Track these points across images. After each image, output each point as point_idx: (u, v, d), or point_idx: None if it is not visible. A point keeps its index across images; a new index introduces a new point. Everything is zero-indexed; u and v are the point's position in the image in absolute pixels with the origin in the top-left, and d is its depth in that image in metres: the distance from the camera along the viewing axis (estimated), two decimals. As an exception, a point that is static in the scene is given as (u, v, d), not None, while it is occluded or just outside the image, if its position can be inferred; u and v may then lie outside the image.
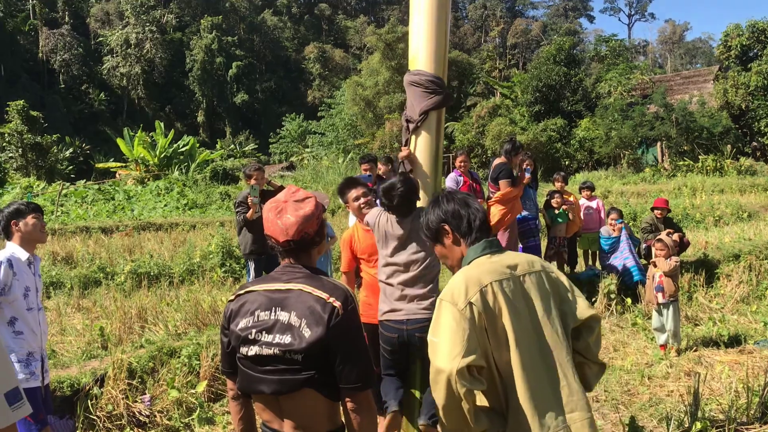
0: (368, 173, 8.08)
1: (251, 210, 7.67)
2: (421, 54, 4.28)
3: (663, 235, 7.40)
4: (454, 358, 2.25)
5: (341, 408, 2.39)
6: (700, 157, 27.89)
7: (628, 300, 8.64)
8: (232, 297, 2.47)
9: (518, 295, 2.43)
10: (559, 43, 37.33)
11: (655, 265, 7.28)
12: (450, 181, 8.34)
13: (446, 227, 2.61)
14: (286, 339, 2.27)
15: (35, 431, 3.95)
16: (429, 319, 3.52)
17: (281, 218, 2.40)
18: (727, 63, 34.74)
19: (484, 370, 2.35)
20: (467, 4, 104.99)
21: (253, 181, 7.81)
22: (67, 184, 31.71)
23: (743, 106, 32.10)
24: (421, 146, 4.32)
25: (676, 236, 9.07)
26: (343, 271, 4.97)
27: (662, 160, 30.35)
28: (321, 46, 77.23)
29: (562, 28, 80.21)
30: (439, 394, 2.32)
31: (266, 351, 2.30)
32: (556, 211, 9.16)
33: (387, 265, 4.24)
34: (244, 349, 2.35)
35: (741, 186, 22.02)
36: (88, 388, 5.43)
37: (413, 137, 4.35)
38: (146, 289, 10.07)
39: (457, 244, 2.61)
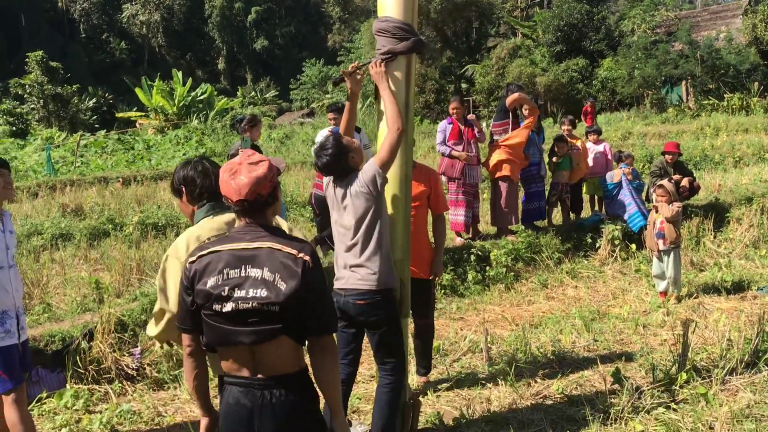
0: (335, 124, 7.93)
1: None
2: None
3: (664, 181, 7.20)
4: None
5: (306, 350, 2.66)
6: (725, 95, 27.10)
7: (633, 246, 8.49)
8: (193, 258, 2.60)
9: None
10: (582, -21, 36.11)
11: (657, 211, 7.10)
12: (438, 130, 8.23)
13: (183, 189, 3.21)
14: (263, 293, 2.48)
15: (10, 386, 3.99)
16: (363, 290, 3.44)
17: (235, 179, 2.57)
18: (757, -4, 33.41)
19: None
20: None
21: (247, 135, 7.71)
22: (87, 134, 31.90)
23: (773, 42, 30.96)
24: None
25: (685, 181, 8.86)
26: None
27: (687, 100, 29.59)
28: (341, -12, 75.81)
29: (588, -36, 77.60)
30: (159, 328, 3.09)
31: (243, 305, 2.48)
32: (554, 159, 8.98)
33: (336, 228, 4.06)
34: (217, 306, 2.51)
35: (766, 125, 21.39)
36: (77, 342, 5.48)
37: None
38: (153, 240, 10.13)
39: (191, 204, 3.21)
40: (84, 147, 27.04)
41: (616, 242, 8.53)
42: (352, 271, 3.88)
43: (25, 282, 7.19)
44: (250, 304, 2.48)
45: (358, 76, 4.18)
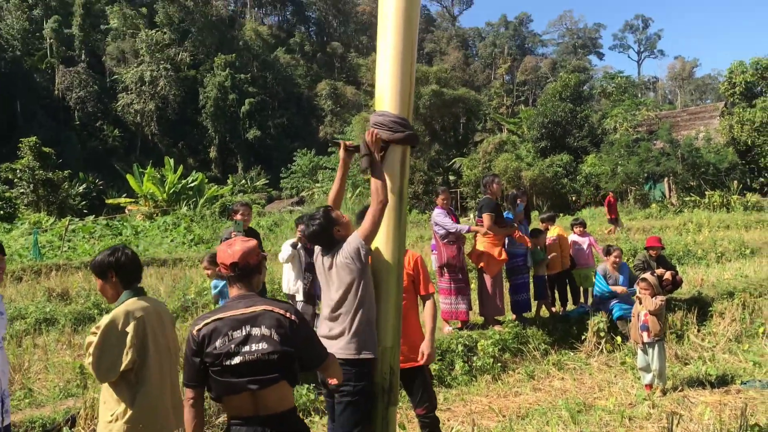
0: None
1: None
2: (387, 95, 4.30)
3: (647, 275, 7.34)
4: (114, 366, 3.61)
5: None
6: (706, 192, 27.77)
7: (618, 338, 8.54)
8: (200, 326, 3.16)
9: (154, 322, 3.73)
10: (565, 79, 37.57)
11: (640, 302, 7.21)
12: (441, 216, 8.33)
13: (112, 273, 3.75)
14: (263, 345, 3.08)
15: (-10, 471, 3.94)
16: (341, 359, 3.56)
17: (231, 247, 3.30)
18: (732, 99, 34.78)
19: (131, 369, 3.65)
20: (477, 43, 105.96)
21: (239, 217, 7.87)
22: (76, 219, 31.96)
23: (749, 142, 32.05)
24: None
25: (668, 274, 9.01)
26: None
27: (669, 196, 30.26)
28: (333, 83, 77.84)
29: (570, 65, 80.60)
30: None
31: (249, 357, 3.06)
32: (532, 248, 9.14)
33: (323, 297, 4.28)
34: (227, 362, 3.07)
35: (747, 222, 21.86)
36: (58, 428, 5.40)
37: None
38: (138, 326, 10.06)
39: (117, 287, 3.78)
40: (72, 232, 27.03)
41: (602, 334, 8.58)
42: (334, 341, 4.00)
43: (8, 366, 7.11)
44: (255, 356, 3.06)
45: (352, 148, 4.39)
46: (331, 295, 4.12)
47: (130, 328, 3.62)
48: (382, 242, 4.15)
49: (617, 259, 8.92)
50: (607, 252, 9.05)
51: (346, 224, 4.23)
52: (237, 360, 3.06)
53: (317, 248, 4.32)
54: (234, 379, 3.08)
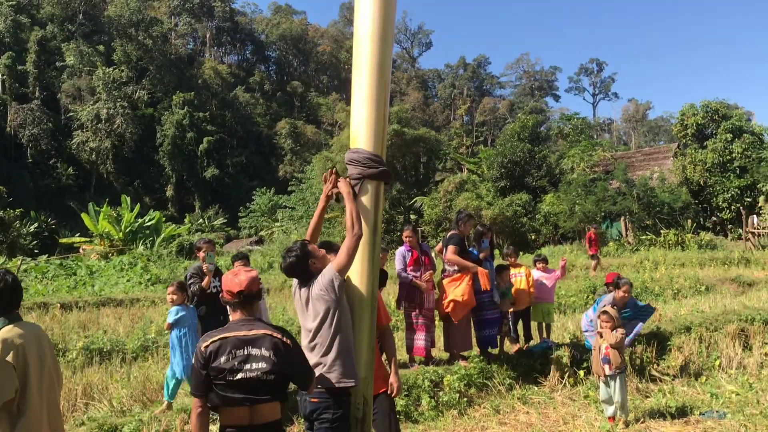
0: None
1: (206, 278, 7.71)
2: (361, 133, 4.40)
3: (608, 307, 7.50)
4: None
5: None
6: (662, 231, 28.43)
7: (581, 372, 8.65)
8: (207, 343, 3.52)
9: (34, 349, 3.65)
10: (523, 120, 38.37)
11: (601, 336, 7.34)
12: (398, 255, 8.45)
13: None
14: (262, 365, 3.47)
15: None
16: (319, 389, 3.67)
17: (237, 277, 3.70)
18: (684, 141, 35.90)
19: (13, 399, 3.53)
20: (437, 84, 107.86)
21: (201, 254, 7.89)
22: (28, 259, 31.24)
23: (701, 182, 33.04)
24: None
25: (627, 308, 9.16)
26: None
27: (626, 235, 30.89)
28: (293, 122, 78.16)
29: (528, 106, 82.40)
30: None
31: (250, 375, 3.45)
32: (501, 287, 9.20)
33: (302, 330, 4.36)
34: (230, 377, 3.46)
35: (701, 260, 22.39)
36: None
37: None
38: (98, 366, 9.87)
39: None
40: (24, 272, 26.37)
41: (565, 369, 8.69)
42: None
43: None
44: (256, 374, 3.45)
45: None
46: (308, 326, 4.21)
47: (10, 357, 3.51)
48: (356, 276, 4.21)
49: (626, 294, 8.55)
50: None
51: (322, 257, 4.30)
52: (239, 376, 3.44)
53: (294, 281, 4.38)
54: (234, 394, 3.46)
